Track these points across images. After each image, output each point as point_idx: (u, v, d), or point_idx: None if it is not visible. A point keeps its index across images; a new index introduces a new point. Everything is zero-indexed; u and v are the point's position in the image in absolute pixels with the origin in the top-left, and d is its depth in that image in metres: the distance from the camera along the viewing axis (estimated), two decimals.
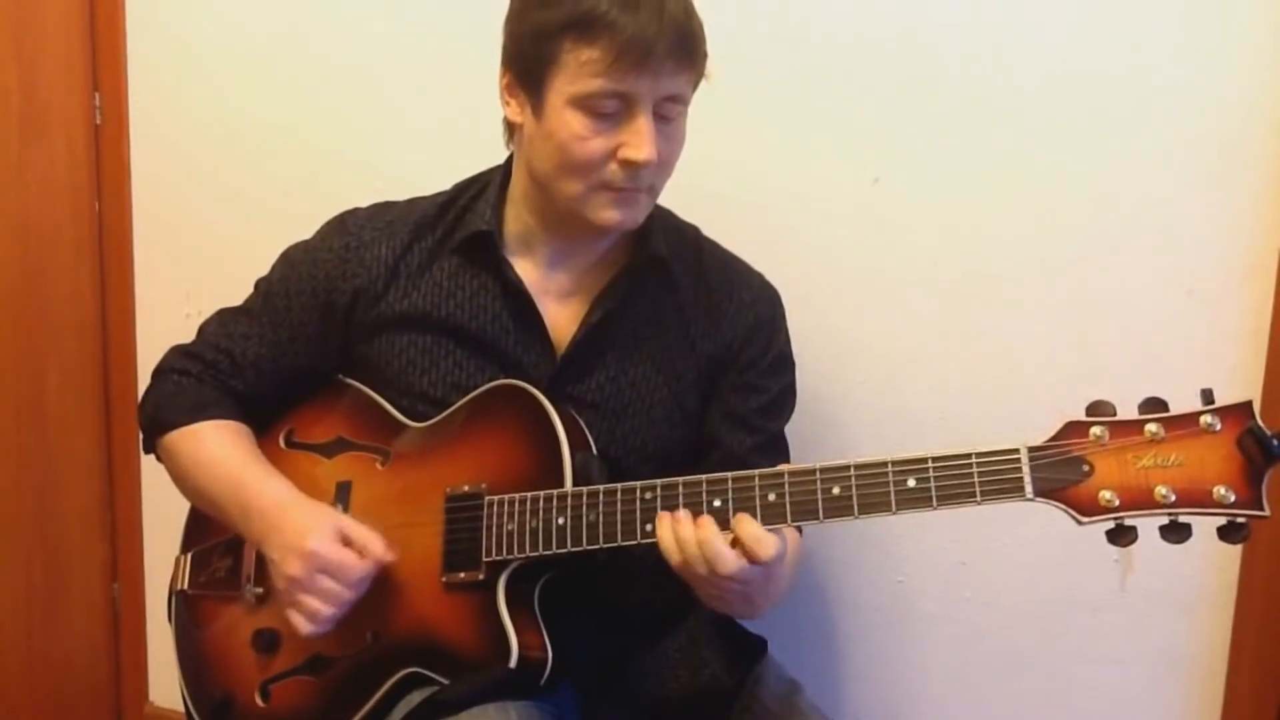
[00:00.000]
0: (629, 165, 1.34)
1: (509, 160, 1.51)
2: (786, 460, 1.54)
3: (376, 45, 2.09)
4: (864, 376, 1.85)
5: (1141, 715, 1.79)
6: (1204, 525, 1.11)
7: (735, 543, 1.23)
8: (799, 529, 1.51)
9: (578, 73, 1.31)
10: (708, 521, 1.24)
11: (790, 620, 1.86)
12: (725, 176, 1.85)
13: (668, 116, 1.35)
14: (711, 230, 1.60)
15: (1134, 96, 1.66)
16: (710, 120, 1.82)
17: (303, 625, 1.38)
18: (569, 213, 1.40)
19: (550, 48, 1.32)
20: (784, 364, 1.56)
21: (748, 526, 1.22)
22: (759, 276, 1.57)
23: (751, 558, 1.22)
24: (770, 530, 1.23)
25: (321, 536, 1.37)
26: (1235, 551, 1.69)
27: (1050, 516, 1.73)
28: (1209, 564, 1.72)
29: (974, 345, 1.79)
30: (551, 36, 1.31)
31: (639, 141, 1.32)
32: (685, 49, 1.32)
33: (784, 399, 1.56)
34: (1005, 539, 1.81)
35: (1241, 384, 1.64)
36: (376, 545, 1.39)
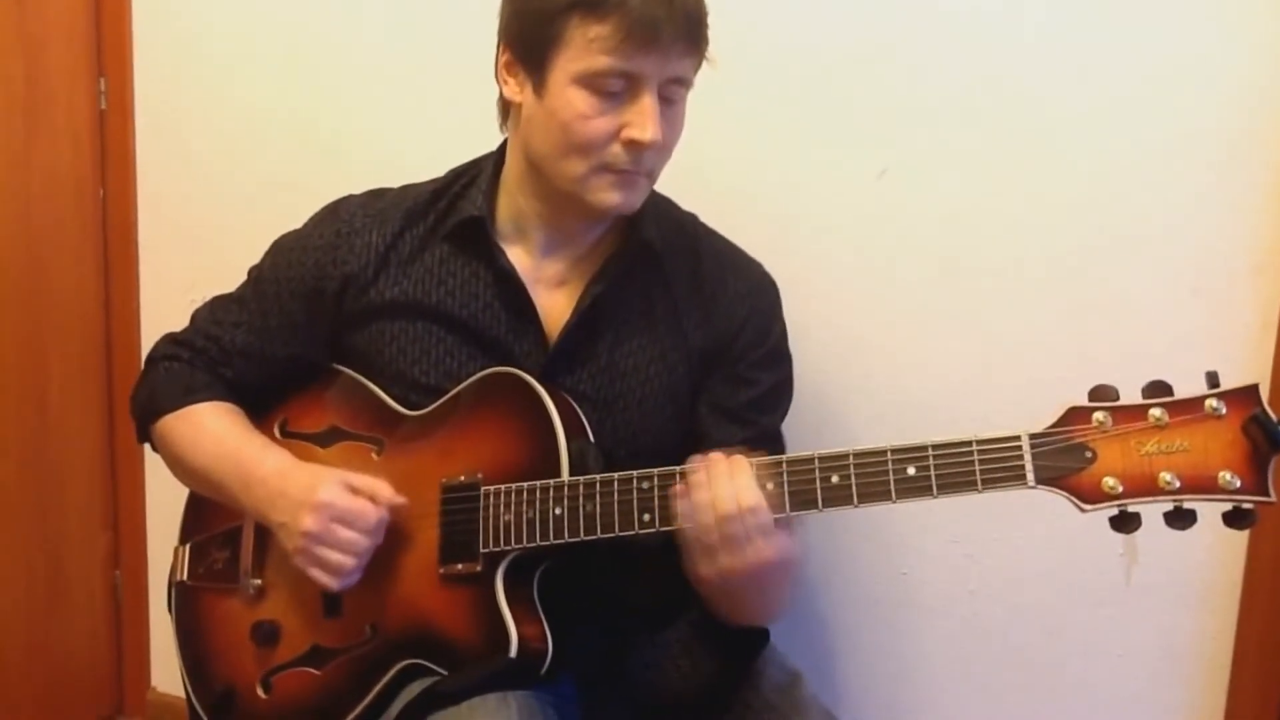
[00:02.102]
0: (633, 146, 1.33)
1: (502, 145, 1.50)
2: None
3: (383, 33, 2.08)
4: (868, 371, 1.84)
5: (1146, 710, 1.78)
6: (1210, 516, 1.10)
7: None
8: None
9: (585, 50, 1.30)
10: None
11: (792, 613, 1.85)
12: (730, 169, 1.85)
13: (670, 99, 1.35)
14: (715, 223, 1.58)
15: (1140, 92, 1.65)
16: (716, 111, 1.82)
17: (328, 580, 1.38)
18: (567, 195, 1.39)
19: (556, 25, 1.31)
20: (778, 358, 1.53)
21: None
22: (758, 267, 1.55)
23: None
24: None
25: (330, 487, 1.37)
26: (1240, 546, 1.69)
27: (1055, 510, 1.72)
28: (1214, 558, 1.71)
29: (977, 341, 1.78)
30: (558, 14, 1.31)
31: (644, 121, 1.32)
32: (693, 32, 1.32)
33: (778, 393, 1.53)
34: (1010, 532, 1.80)
35: (1246, 382, 1.64)
36: (385, 490, 1.39)
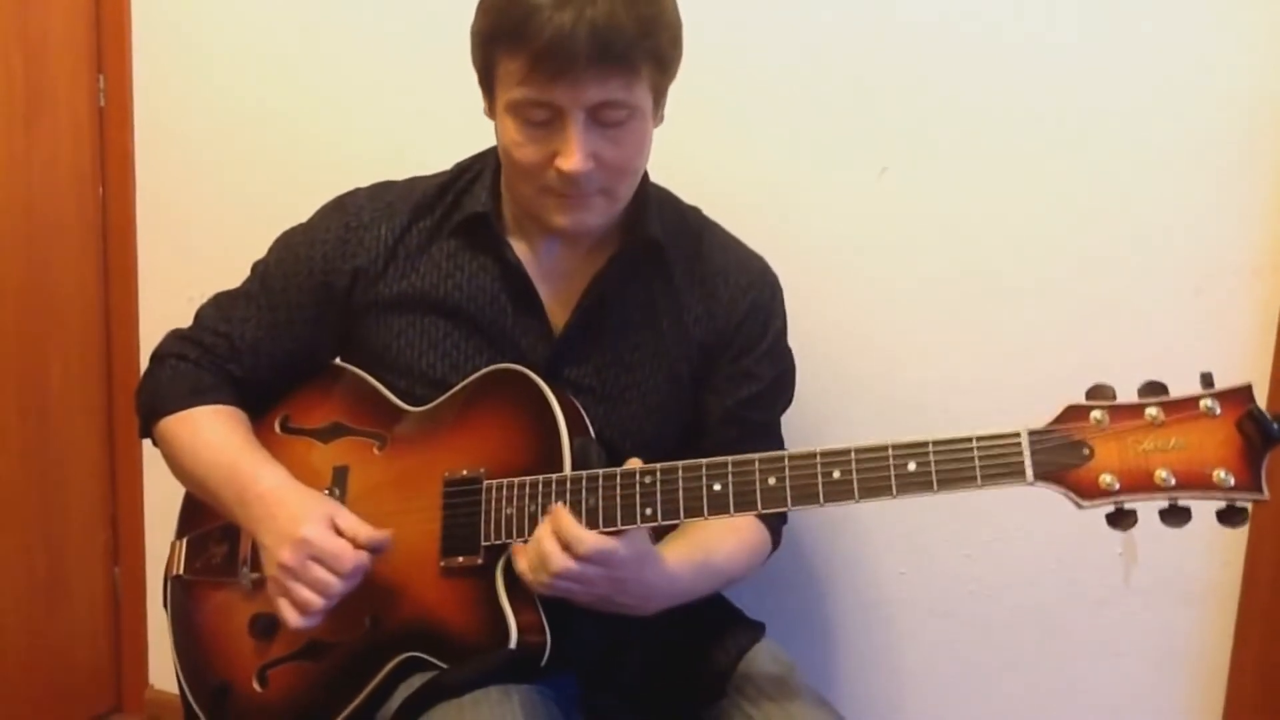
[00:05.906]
0: (562, 174, 1.33)
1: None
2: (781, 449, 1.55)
3: (383, 31, 2.09)
4: (869, 371, 1.85)
5: (1144, 709, 1.78)
6: (1206, 516, 1.10)
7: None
8: (778, 529, 1.53)
9: (509, 81, 1.32)
10: (541, 525, 1.29)
11: (790, 611, 1.86)
12: (730, 168, 1.85)
13: (607, 122, 1.33)
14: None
15: (1143, 93, 1.66)
16: (715, 111, 1.82)
17: (292, 616, 1.36)
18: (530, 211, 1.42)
19: (490, 56, 1.34)
20: (779, 352, 1.55)
21: (563, 524, 1.26)
22: (759, 261, 1.56)
23: (572, 552, 1.25)
24: (635, 528, 1.27)
25: (315, 524, 1.36)
26: (1239, 545, 1.69)
27: (1053, 511, 1.72)
28: (1213, 558, 1.71)
29: (980, 341, 1.79)
30: (489, 45, 1.34)
31: (568, 151, 1.31)
32: (608, 54, 1.26)
33: (779, 388, 1.55)
34: (1009, 533, 1.81)
35: (1246, 381, 1.64)
36: (367, 532, 1.38)
